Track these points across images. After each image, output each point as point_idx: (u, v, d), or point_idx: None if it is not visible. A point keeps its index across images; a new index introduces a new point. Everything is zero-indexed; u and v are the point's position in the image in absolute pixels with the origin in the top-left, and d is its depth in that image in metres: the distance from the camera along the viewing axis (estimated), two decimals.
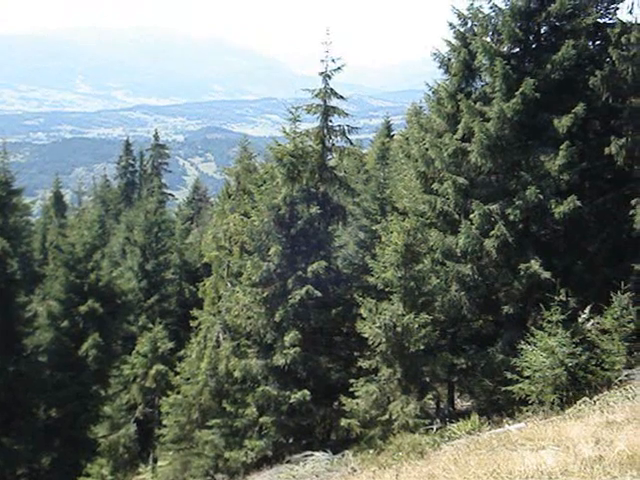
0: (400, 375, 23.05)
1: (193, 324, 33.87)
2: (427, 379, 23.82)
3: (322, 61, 27.43)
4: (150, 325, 39.56)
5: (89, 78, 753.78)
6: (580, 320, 21.53)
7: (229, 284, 31.07)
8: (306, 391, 24.99)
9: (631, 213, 24.57)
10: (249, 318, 26.42)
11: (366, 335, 23.08)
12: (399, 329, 22.39)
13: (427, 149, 25.44)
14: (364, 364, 23.81)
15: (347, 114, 28.46)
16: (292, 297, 25.48)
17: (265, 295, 26.16)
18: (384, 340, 22.59)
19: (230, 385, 28.13)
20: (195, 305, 36.06)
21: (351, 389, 23.92)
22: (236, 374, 26.69)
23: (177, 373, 32.85)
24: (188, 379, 31.08)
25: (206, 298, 34.24)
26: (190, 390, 30.08)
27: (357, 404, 23.64)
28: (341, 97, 28.32)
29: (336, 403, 25.29)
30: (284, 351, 25.30)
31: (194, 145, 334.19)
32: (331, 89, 27.79)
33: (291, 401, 25.17)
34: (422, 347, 22.60)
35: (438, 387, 25.67)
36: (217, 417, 28.06)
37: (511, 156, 24.56)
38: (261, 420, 26.04)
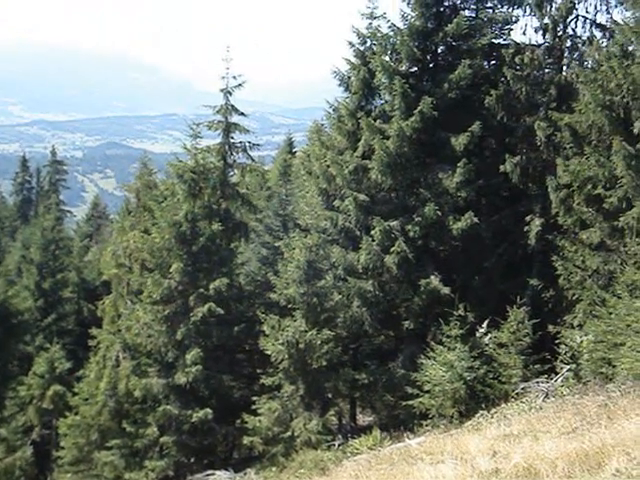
0: (303, 392, 23.06)
1: (92, 343, 33.12)
2: (329, 395, 23.88)
3: (223, 78, 27.41)
4: (47, 345, 38.37)
5: None
6: (478, 334, 21.92)
7: (129, 302, 30.53)
8: (208, 410, 24.70)
9: (526, 229, 25.23)
10: (150, 336, 26.01)
11: (269, 352, 23.03)
12: (302, 345, 22.41)
13: (328, 166, 25.59)
14: (267, 381, 23.72)
15: (249, 131, 28.50)
16: (194, 315, 25.21)
17: (166, 313, 25.81)
18: (287, 357, 22.57)
19: (130, 405, 27.57)
20: (94, 324, 35.26)
21: (254, 407, 23.82)
22: (136, 394, 26.19)
23: (75, 394, 31.96)
24: (87, 399, 30.29)
25: (105, 317, 33.57)
26: (89, 411, 29.33)
27: (259, 421, 23.52)
28: (242, 114, 28.32)
29: (238, 421, 25.05)
30: (186, 369, 24.98)
31: (93, 161, 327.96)
32: (232, 106, 27.74)
33: (193, 420, 24.84)
34: (325, 363, 22.68)
35: (340, 403, 25.73)
36: (117, 438, 27.44)
37: (410, 173, 24.94)
38: (162, 440, 25.61)
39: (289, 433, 22.77)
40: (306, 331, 22.49)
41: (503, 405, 18.49)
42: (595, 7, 26.10)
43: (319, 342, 22.39)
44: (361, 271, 24.90)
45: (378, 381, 24.68)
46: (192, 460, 25.93)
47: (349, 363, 24.97)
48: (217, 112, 27.81)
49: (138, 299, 28.04)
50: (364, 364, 25.51)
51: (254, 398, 23.98)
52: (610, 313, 18.67)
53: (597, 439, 9.25)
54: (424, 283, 23.93)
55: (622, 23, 22.86)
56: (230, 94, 27.60)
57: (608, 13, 25.86)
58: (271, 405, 23.31)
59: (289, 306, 23.54)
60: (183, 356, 25.27)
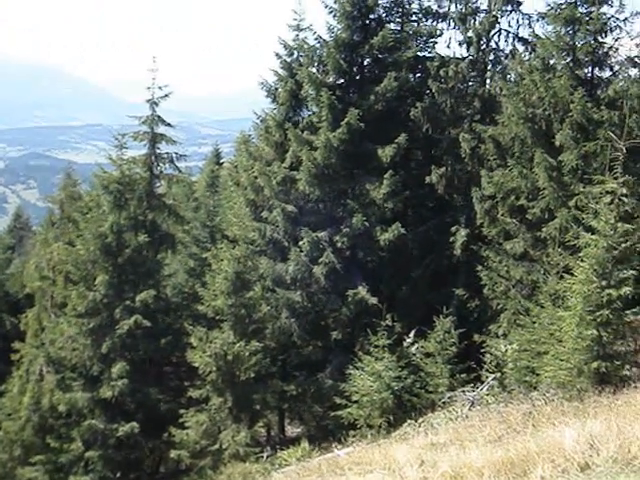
0: (231, 404, 22.88)
1: (14, 357, 32.34)
2: (258, 407, 23.74)
3: (149, 88, 27.11)
4: None
5: None
6: (405, 344, 22.13)
7: (53, 315, 29.91)
8: (134, 423, 24.33)
9: (451, 240, 25.57)
10: (74, 350, 25.53)
11: (196, 364, 22.81)
12: (230, 357, 22.26)
13: (256, 177, 25.58)
14: (194, 394, 23.48)
15: (175, 141, 28.24)
16: (120, 327, 24.83)
17: (91, 326, 25.35)
18: (215, 369, 22.38)
19: (54, 420, 26.98)
20: (17, 338, 34.38)
21: (181, 419, 23.53)
22: (61, 408, 25.66)
23: None
24: (9, 415, 29.56)
25: (29, 330, 32.79)
26: (12, 426, 28.62)
27: (187, 434, 23.26)
28: (169, 124, 28.08)
29: (165, 434, 24.75)
30: (111, 383, 24.57)
31: (15, 172, 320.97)
32: (158, 116, 27.47)
33: (119, 434, 24.43)
34: (253, 375, 22.56)
35: (269, 414, 25.62)
36: (41, 453, 26.82)
37: (338, 184, 25.09)
38: (87, 455, 25.10)
39: (217, 446, 22.57)
40: (234, 343, 22.36)
41: (430, 414, 18.63)
42: (517, 21, 26.77)
43: (247, 354, 22.27)
44: (289, 282, 24.92)
45: (307, 392, 24.72)
46: (118, 475, 25.48)
47: (278, 374, 24.92)
48: (143, 123, 27.49)
49: (62, 312, 27.51)
50: (293, 375, 25.50)
51: (181, 411, 23.70)
52: (534, 322, 19.03)
53: (522, 447, 9.37)
54: (352, 293, 24.07)
55: (544, 37, 23.38)
56: (156, 105, 27.33)
57: (530, 27, 26.51)
58: (199, 418, 23.08)
59: (217, 318, 23.37)
60: (109, 369, 24.86)
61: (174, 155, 28.03)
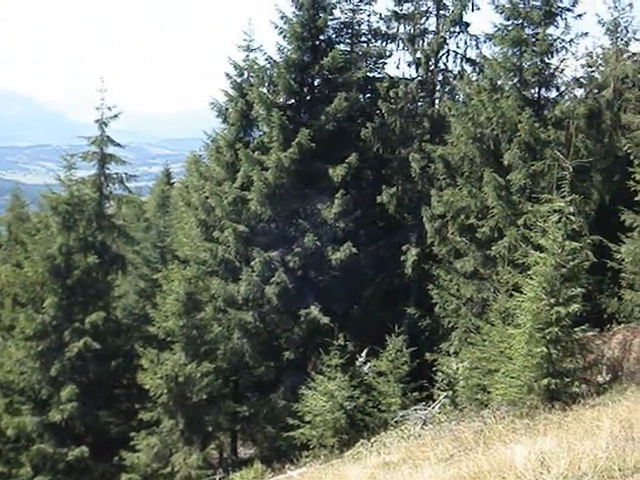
0: (182, 426, 22.65)
1: None
2: (210, 428, 23.55)
3: (98, 109, 26.91)
4: None
5: None
6: (358, 363, 22.15)
7: (1, 338, 29.41)
8: (84, 447, 23.98)
9: (402, 259, 25.73)
10: (22, 373, 25.12)
11: (147, 386, 22.57)
12: (181, 379, 22.07)
13: (207, 197, 25.50)
14: (145, 416, 23.22)
15: (125, 162, 28.06)
16: (69, 350, 24.49)
17: (40, 349, 24.95)
18: (166, 391, 22.17)
19: (2, 444, 26.47)
20: None
21: (132, 443, 23.25)
22: (9, 432, 25.17)
23: None
24: None
25: None
26: None
27: (138, 458, 22.98)
28: (119, 145, 27.90)
29: (116, 458, 24.41)
30: (61, 406, 24.20)
31: None
32: (108, 137, 27.27)
33: (68, 458, 24.03)
34: (205, 396, 22.39)
35: (221, 436, 25.39)
36: None
37: (290, 204, 25.11)
38: None
39: (169, 469, 22.32)
40: (186, 364, 22.18)
41: (383, 433, 18.65)
42: (465, 42, 27.18)
43: (199, 375, 22.10)
44: (241, 302, 24.84)
45: (259, 413, 24.57)
46: None
47: (230, 395, 24.73)
48: (92, 143, 27.27)
49: (10, 335, 27.05)
50: (245, 396, 25.35)
51: (132, 434, 23.41)
52: (484, 340, 19.17)
53: (474, 465, 9.41)
54: (304, 313, 24.06)
55: (491, 58, 23.72)
56: (105, 125, 27.14)
57: (477, 48, 26.96)
58: (150, 440, 22.82)
59: (168, 339, 23.17)
60: (58, 393, 24.48)
61: (124, 175, 27.83)
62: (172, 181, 55.42)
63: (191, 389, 22.25)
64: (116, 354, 25.96)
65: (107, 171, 27.53)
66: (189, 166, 32.07)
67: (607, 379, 16.88)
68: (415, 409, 19.42)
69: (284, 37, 25.91)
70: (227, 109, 26.31)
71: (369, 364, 21.95)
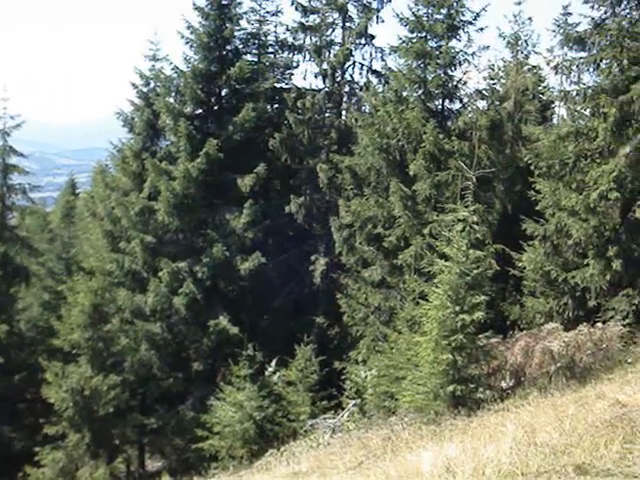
0: (89, 440, 22.29)
1: None
2: (117, 442, 23.27)
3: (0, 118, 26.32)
4: None
5: None
6: (267, 373, 22.12)
7: None
8: None
9: (311, 268, 25.87)
10: None
11: (52, 400, 22.14)
12: (87, 392, 21.74)
13: (113, 208, 25.18)
14: (50, 431, 22.75)
15: (28, 172, 27.57)
16: None
17: None
18: (71, 404, 21.80)
19: None
20: None
21: (36, 458, 22.77)
22: None
23: None
24: None
25: None
26: None
27: (43, 473, 22.54)
28: (22, 155, 27.34)
29: (20, 474, 23.83)
30: None
31: None
32: (10, 147, 26.69)
33: None
34: (112, 409, 22.12)
35: (128, 449, 25.08)
36: None
37: (198, 214, 24.98)
38: None
39: None
40: (92, 377, 21.86)
41: (292, 443, 18.65)
42: (371, 54, 27.57)
43: (105, 388, 21.81)
44: (149, 313, 24.57)
45: (167, 425, 24.32)
46: None
47: (137, 408, 24.46)
48: None
49: None
50: (153, 408, 25.04)
51: (37, 449, 22.94)
52: (392, 348, 19.37)
53: (381, 472, 9.54)
54: (213, 324, 23.95)
55: (396, 70, 24.00)
56: (8, 135, 26.55)
57: (383, 60, 27.36)
58: (55, 455, 22.39)
59: (73, 352, 22.79)
60: None
61: (27, 186, 27.27)
62: (77, 191, 54.38)
63: (97, 402, 21.93)
64: (20, 368, 25.44)
65: (9, 182, 26.95)
66: (95, 176, 31.55)
67: (510, 385, 17.19)
68: (324, 418, 19.51)
69: (191, 47, 25.82)
70: (133, 118, 26.03)
71: (278, 374, 21.97)
